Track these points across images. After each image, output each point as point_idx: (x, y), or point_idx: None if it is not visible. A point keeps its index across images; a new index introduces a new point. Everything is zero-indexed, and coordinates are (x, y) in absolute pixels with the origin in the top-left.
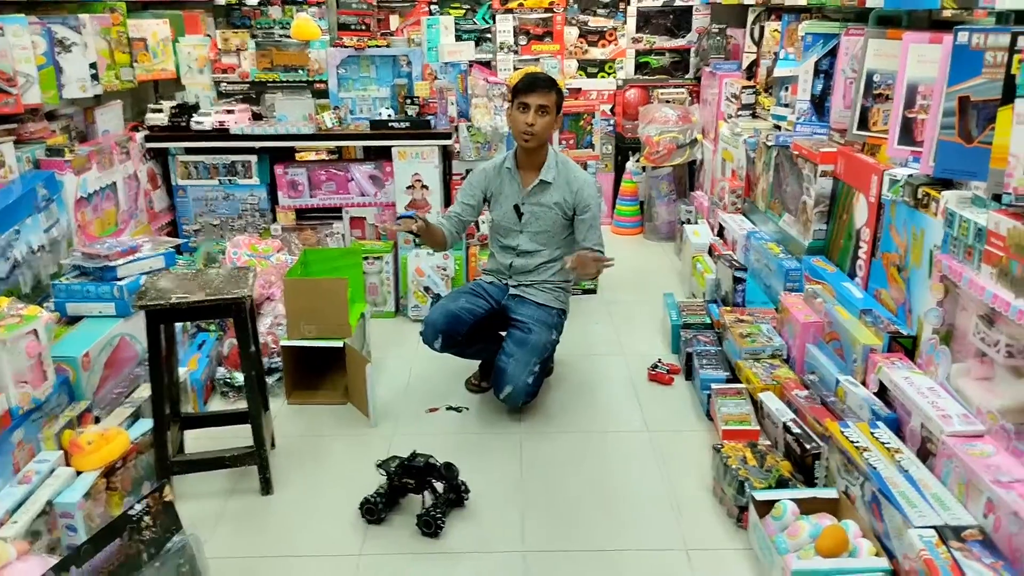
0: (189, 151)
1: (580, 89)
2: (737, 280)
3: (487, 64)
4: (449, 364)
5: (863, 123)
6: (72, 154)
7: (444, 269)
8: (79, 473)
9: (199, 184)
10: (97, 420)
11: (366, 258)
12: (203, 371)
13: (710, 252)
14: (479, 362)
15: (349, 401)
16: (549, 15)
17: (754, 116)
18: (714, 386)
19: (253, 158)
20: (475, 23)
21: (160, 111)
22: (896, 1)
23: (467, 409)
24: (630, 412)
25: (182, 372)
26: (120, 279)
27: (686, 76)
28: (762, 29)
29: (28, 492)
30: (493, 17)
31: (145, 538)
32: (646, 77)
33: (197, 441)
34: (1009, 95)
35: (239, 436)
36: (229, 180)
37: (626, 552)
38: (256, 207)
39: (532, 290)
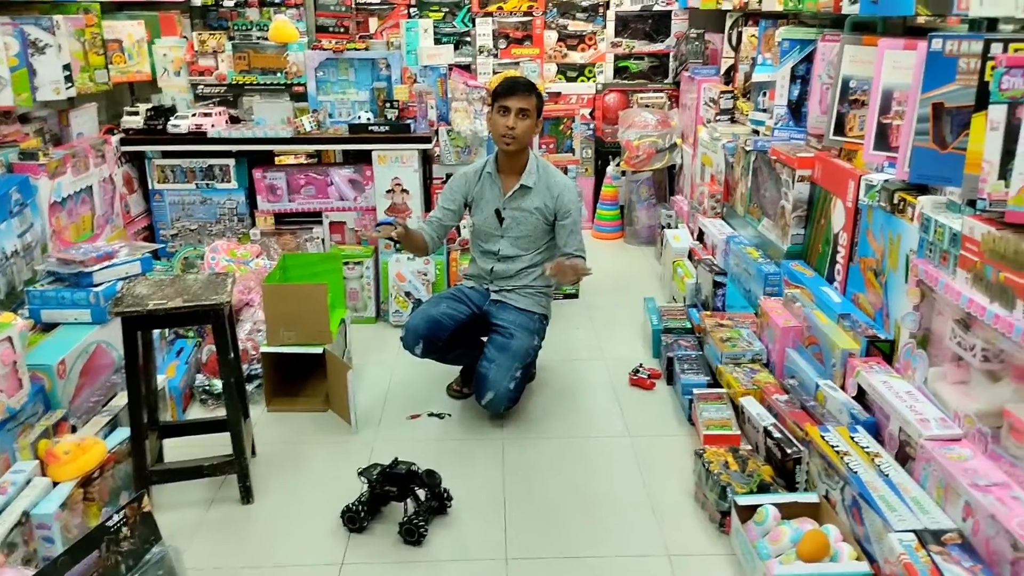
0: (166, 155)
1: (560, 93)
2: (717, 284)
3: (467, 68)
4: (431, 370)
5: (839, 128)
6: (46, 157)
7: (425, 274)
8: (55, 483)
9: (176, 188)
10: (73, 429)
11: (346, 263)
12: (181, 378)
13: (690, 256)
14: (461, 368)
15: (330, 408)
16: (528, 19)
17: (733, 121)
18: (695, 391)
19: (231, 162)
20: (454, 26)
21: (136, 114)
22: (871, 8)
23: (449, 415)
24: (612, 417)
25: (160, 380)
26: (96, 285)
27: (665, 81)
28: (740, 34)
29: (4, 503)
30: (472, 20)
31: (123, 549)
32: (626, 81)
33: (176, 450)
34: (982, 101)
35: (219, 444)
36: (207, 184)
37: (608, 558)
38: (234, 211)
39: (514, 295)
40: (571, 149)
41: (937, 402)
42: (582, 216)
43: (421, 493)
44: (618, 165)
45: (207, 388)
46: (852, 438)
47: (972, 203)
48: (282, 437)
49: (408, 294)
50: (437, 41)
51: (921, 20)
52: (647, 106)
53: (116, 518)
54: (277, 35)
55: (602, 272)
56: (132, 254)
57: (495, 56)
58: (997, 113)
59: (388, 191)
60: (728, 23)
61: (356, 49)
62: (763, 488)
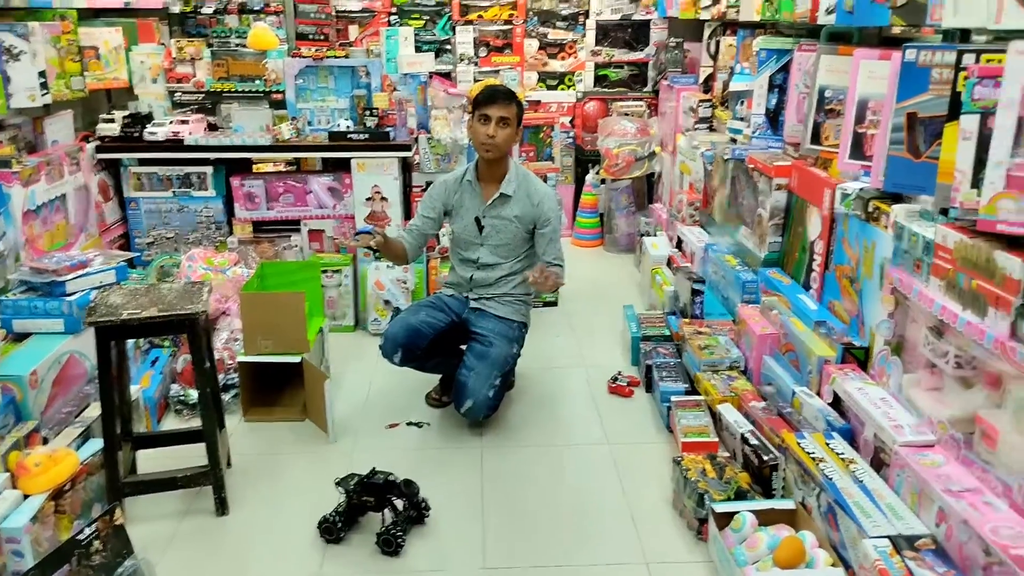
0: (142, 162)
1: (540, 101)
2: (695, 292)
3: (447, 76)
4: (409, 379)
5: (816, 137)
6: (20, 165)
7: (404, 282)
8: (26, 496)
9: (152, 196)
10: (45, 441)
11: (325, 271)
12: (156, 388)
13: (669, 264)
14: (440, 376)
15: (307, 417)
16: (509, 27)
17: (711, 129)
18: (673, 398)
19: (208, 169)
20: (435, 34)
21: (112, 121)
22: (847, 18)
23: (428, 424)
24: (591, 425)
25: (134, 390)
26: (69, 294)
27: (644, 89)
28: (718, 44)
29: None
30: (453, 28)
31: (95, 563)
32: (605, 90)
33: (150, 461)
34: (955, 111)
35: (194, 455)
36: (183, 192)
37: (587, 567)
38: (212, 219)
39: (493, 303)
40: (551, 157)
41: (911, 408)
42: (562, 224)
43: (399, 503)
44: (598, 173)
45: (182, 398)
46: (828, 445)
47: (945, 212)
48: (258, 447)
49: (387, 302)
50: (417, 49)
51: (896, 31)
52: (627, 114)
53: (88, 531)
54: (256, 42)
55: (581, 280)
56: (106, 263)
57: (475, 64)
58: (969, 123)
59: (367, 199)
60: (706, 32)
61: (336, 57)
62: (740, 495)
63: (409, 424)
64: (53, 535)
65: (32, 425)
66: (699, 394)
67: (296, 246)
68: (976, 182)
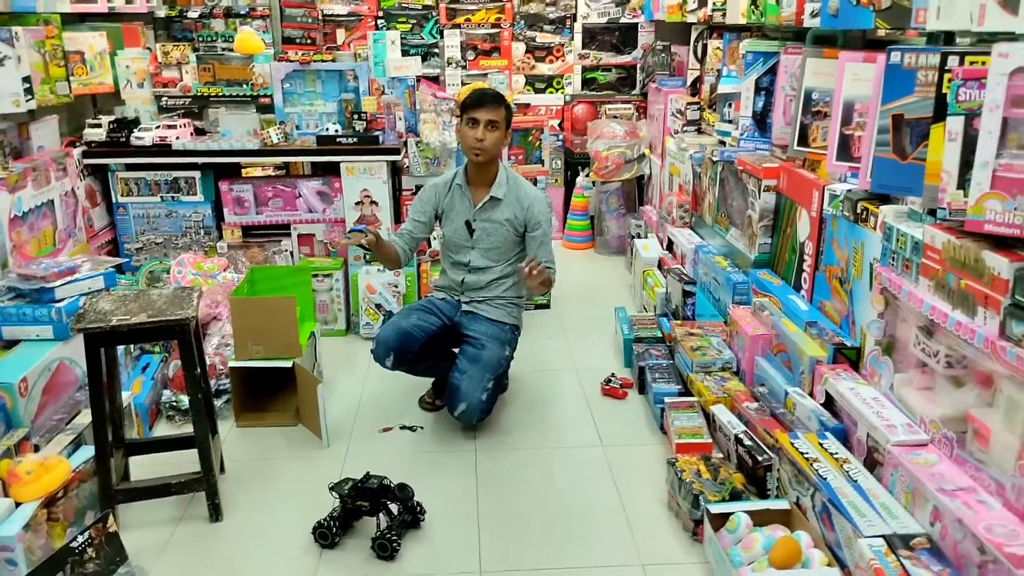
0: (130, 167)
1: (528, 104)
2: (687, 294)
3: (435, 79)
4: (402, 382)
5: (803, 139)
6: (6, 171)
7: (395, 286)
8: (18, 504)
9: (140, 201)
10: (36, 448)
11: (315, 275)
12: (147, 395)
13: (660, 266)
14: (432, 380)
15: (300, 422)
16: (496, 31)
17: (699, 132)
18: (667, 400)
19: (197, 174)
20: (422, 38)
21: (98, 126)
22: (832, 21)
23: (421, 428)
24: (584, 427)
25: (125, 396)
26: (58, 301)
27: (633, 92)
28: (705, 47)
29: None
30: (440, 32)
31: (88, 571)
32: (594, 93)
33: (142, 468)
34: (940, 113)
35: (186, 461)
36: (172, 197)
37: (583, 569)
38: (201, 224)
39: (484, 306)
40: (540, 160)
41: (903, 408)
42: (552, 227)
43: (393, 507)
44: (587, 176)
45: (174, 404)
46: (821, 445)
47: (933, 212)
48: (251, 453)
49: (379, 306)
50: (405, 53)
51: (881, 33)
52: (615, 117)
53: (81, 539)
54: (243, 47)
55: (573, 282)
56: (95, 269)
57: (463, 68)
58: (955, 124)
59: (357, 203)
60: (693, 36)
61: (323, 61)
62: (735, 496)
63: (402, 428)
64: (46, 543)
65: (23, 433)
66: (692, 395)
67: (286, 250)
68: (963, 183)
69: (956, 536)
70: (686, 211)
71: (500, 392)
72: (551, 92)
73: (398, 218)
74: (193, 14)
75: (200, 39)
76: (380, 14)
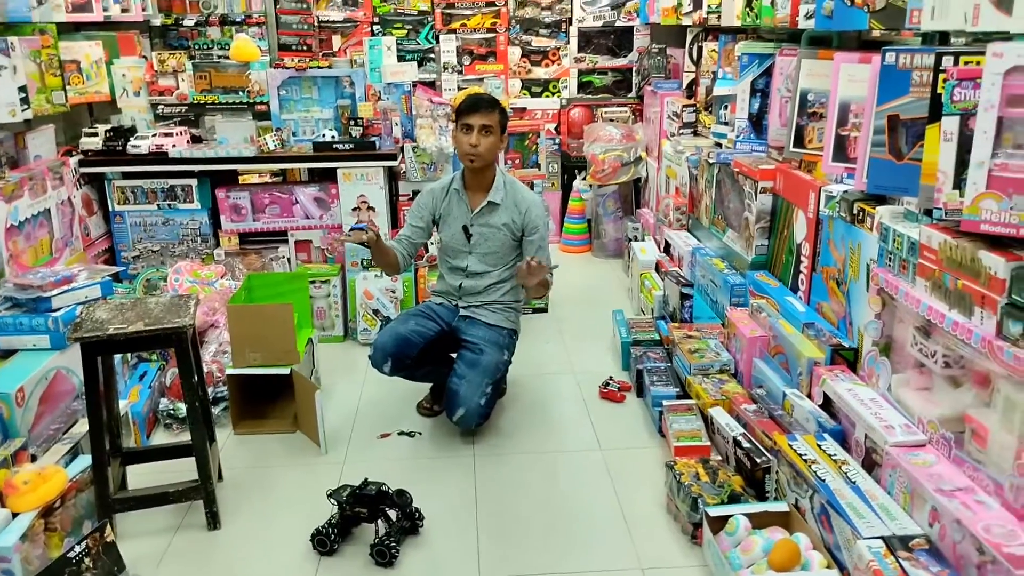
0: (126, 176)
1: (525, 108)
2: (684, 296)
3: (431, 84)
4: (400, 388)
5: (799, 141)
6: (2, 180)
7: (393, 291)
8: (15, 514)
9: (137, 209)
10: (33, 458)
11: (313, 282)
12: (145, 403)
13: (657, 269)
14: (430, 385)
15: (298, 429)
16: (492, 35)
17: (695, 134)
18: (665, 403)
19: (193, 182)
20: (418, 43)
21: (95, 135)
22: (826, 23)
23: (419, 433)
24: (583, 431)
25: (123, 405)
26: (55, 310)
27: (629, 95)
28: (700, 49)
29: None
30: (436, 37)
31: None
32: (589, 96)
33: (140, 476)
34: (936, 113)
35: (184, 470)
36: (169, 205)
37: (582, 573)
38: (198, 232)
39: (482, 311)
40: (537, 164)
41: (901, 409)
42: (549, 231)
43: (392, 513)
44: (584, 179)
45: (172, 412)
46: (819, 446)
47: (929, 212)
48: (249, 460)
49: (376, 312)
50: (401, 58)
51: (875, 34)
52: (611, 120)
53: (78, 548)
54: (238, 54)
55: (570, 286)
56: (91, 277)
57: (459, 72)
58: (950, 124)
59: (354, 209)
60: (689, 38)
61: (319, 67)
62: (734, 498)
63: (401, 434)
64: (43, 553)
65: (20, 443)
66: (690, 398)
67: (283, 257)
68: (959, 183)
69: (955, 537)
70: (683, 213)
71: (498, 397)
72: (547, 96)
73: (395, 223)
74: (189, 22)
75: (196, 47)
76: (376, 20)
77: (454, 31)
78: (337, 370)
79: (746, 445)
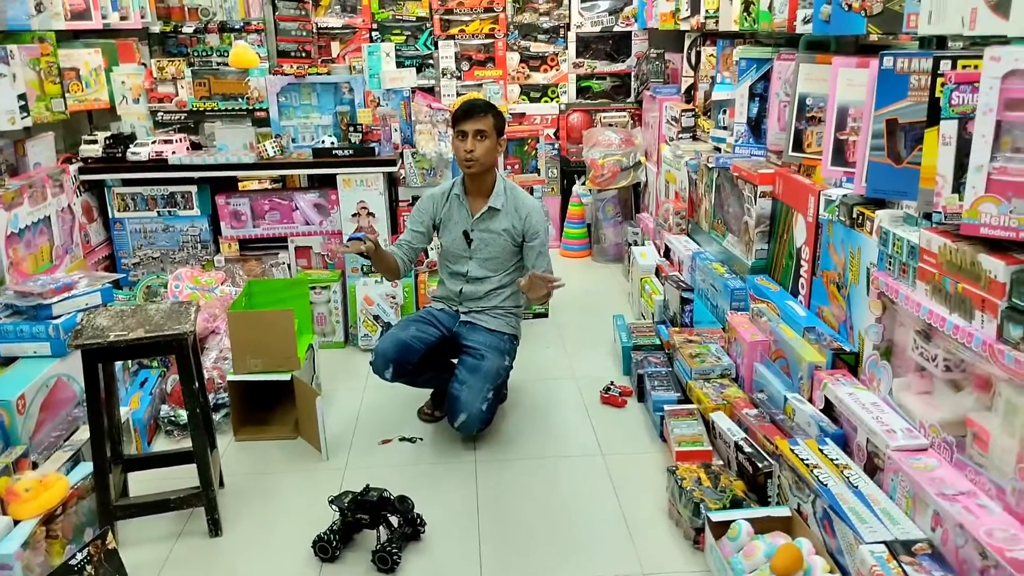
0: (126, 183)
1: (524, 114)
2: (684, 301)
3: (430, 90)
4: (401, 394)
5: (798, 145)
6: (2, 188)
7: (393, 297)
8: (16, 522)
9: (137, 216)
10: (34, 465)
11: (313, 287)
12: (146, 410)
13: (657, 273)
14: (431, 391)
15: (299, 435)
16: (491, 41)
17: (694, 138)
18: (666, 407)
19: (193, 188)
20: (417, 49)
21: (94, 142)
22: (824, 27)
23: (421, 439)
24: (584, 436)
25: (124, 412)
26: (55, 317)
27: (627, 100)
28: (698, 54)
29: None
30: (435, 43)
31: None
32: (588, 101)
33: (142, 483)
34: (934, 117)
35: (185, 476)
36: (169, 211)
37: None
38: (198, 238)
39: (483, 316)
40: (536, 169)
41: (902, 413)
42: (550, 236)
43: (394, 520)
44: (583, 184)
45: (173, 419)
46: (821, 451)
47: (928, 216)
48: (251, 467)
49: (377, 318)
50: (399, 64)
51: (873, 38)
52: (610, 125)
53: (80, 556)
54: (237, 61)
55: (571, 291)
56: (92, 284)
57: (458, 78)
58: (948, 128)
59: (354, 214)
60: (687, 43)
61: (318, 74)
62: (736, 503)
63: (402, 439)
64: (45, 561)
65: (21, 450)
66: (691, 402)
67: (283, 263)
68: (958, 187)
69: (957, 541)
70: (683, 218)
71: (499, 402)
72: (546, 101)
73: (395, 229)
74: (188, 29)
75: (195, 54)
76: (374, 26)
77: (453, 37)
78: (338, 376)
79: (748, 450)
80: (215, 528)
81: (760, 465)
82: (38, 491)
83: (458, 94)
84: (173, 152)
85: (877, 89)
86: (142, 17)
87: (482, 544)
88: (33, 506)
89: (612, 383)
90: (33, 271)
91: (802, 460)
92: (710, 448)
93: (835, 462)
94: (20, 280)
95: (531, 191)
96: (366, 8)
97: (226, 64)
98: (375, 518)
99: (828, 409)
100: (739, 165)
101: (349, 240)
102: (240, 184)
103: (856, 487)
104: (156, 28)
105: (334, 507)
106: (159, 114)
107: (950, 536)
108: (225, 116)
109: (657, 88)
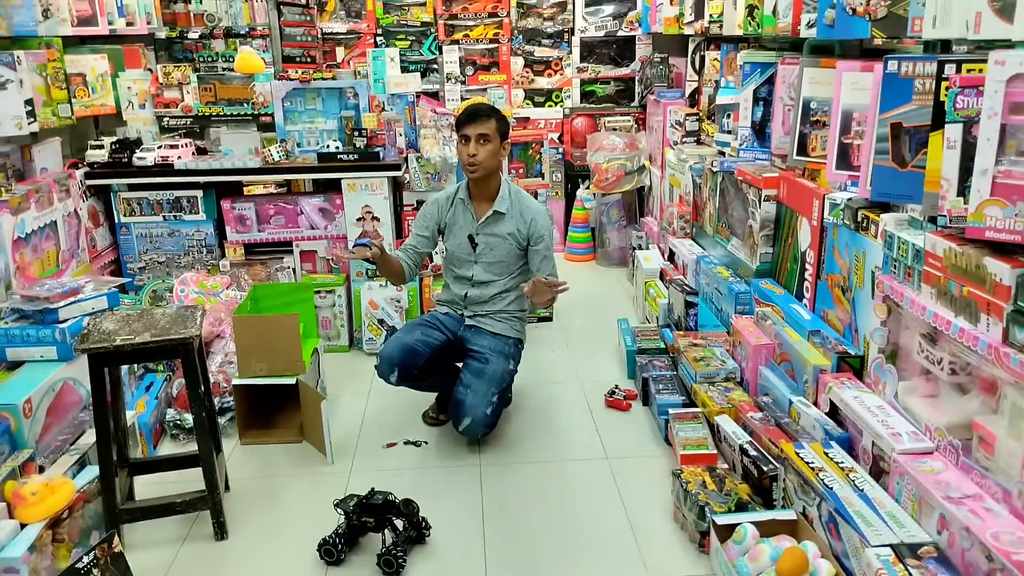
0: (132, 187)
1: (528, 118)
2: (689, 304)
3: (434, 95)
4: (406, 397)
5: (802, 149)
6: (9, 193)
7: (398, 301)
8: (23, 525)
9: (143, 221)
10: (41, 469)
11: (318, 292)
12: (152, 414)
13: (662, 277)
14: (436, 395)
15: (304, 439)
16: (495, 46)
17: (699, 142)
18: (671, 411)
19: (199, 193)
20: (421, 54)
21: (101, 147)
22: (828, 31)
23: (426, 443)
24: (589, 439)
25: (130, 415)
26: (62, 321)
27: (631, 104)
28: (702, 58)
29: None
30: (439, 48)
31: None
32: (592, 105)
33: (147, 487)
34: (939, 121)
35: (191, 480)
36: (174, 216)
37: None
38: (203, 243)
39: (488, 320)
40: (540, 173)
41: (908, 416)
42: (554, 240)
43: (399, 523)
44: (588, 188)
45: (178, 422)
46: (826, 454)
47: (933, 220)
48: (256, 470)
49: (381, 322)
50: (404, 69)
51: (877, 42)
52: (614, 129)
53: (86, 559)
54: (243, 66)
55: (575, 294)
56: (98, 289)
57: (462, 83)
58: (953, 132)
59: (358, 219)
60: (691, 47)
61: (323, 78)
62: (741, 507)
63: (407, 443)
64: (51, 564)
65: (27, 454)
66: (696, 406)
67: (288, 267)
68: (963, 190)
69: (963, 544)
70: (687, 222)
71: (504, 406)
72: (550, 106)
73: (400, 233)
74: (193, 35)
75: (201, 59)
76: (379, 31)
77: (457, 42)
78: (343, 380)
79: (753, 453)
80: (221, 531)
81: (765, 468)
82: (44, 495)
83: (462, 98)
84: (179, 157)
85: (882, 93)
86: (148, 23)
87: (487, 547)
88: (39, 510)
89: (617, 387)
90: (39, 276)
91: (807, 463)
92: (715, 452)
93: (840, 465)
94: (27, 285)
95: (535, 195)
96: (371, 13)
97: (231, 69)
98: (380, 521)
99: (833, 412)
100: (743, 169)
101: (354, 247)
102: (245, 189)
103: (862, 490)
104: (162, 34)
105: (339, 510)
106: (165, 119)
107: (956, 539)
108: (230, 121)
109: (661, 92)
